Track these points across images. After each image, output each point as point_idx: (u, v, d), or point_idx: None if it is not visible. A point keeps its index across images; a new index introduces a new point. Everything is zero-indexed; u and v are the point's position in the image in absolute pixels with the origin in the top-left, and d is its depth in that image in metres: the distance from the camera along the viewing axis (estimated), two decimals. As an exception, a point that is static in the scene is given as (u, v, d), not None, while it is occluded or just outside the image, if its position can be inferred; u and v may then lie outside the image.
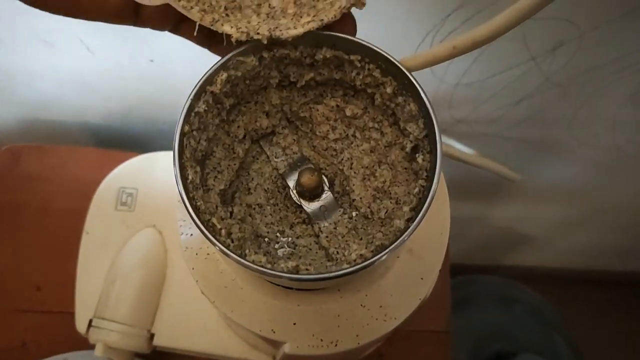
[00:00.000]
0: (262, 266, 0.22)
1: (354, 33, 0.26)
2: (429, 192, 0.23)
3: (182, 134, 0.24)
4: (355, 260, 0.23)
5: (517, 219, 0.82)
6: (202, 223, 0.22)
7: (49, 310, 0.52)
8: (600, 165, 0.64)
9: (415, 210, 0.24)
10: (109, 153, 0.56)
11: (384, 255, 0.22)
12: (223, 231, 0.23)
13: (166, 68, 0.50)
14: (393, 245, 0.22)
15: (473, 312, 0.73)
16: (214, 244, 0.22)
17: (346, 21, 0.25)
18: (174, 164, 0.23)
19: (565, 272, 1.00)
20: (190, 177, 0.24)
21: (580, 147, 0.60)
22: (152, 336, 0.44)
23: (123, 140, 0.62)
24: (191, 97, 0.24)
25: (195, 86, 0.25)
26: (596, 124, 0.56)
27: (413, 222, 0.22)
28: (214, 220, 0.23)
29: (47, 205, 0.56)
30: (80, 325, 0.44)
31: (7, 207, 0.55)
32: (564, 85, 0.50)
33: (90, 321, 0.44)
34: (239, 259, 0.21)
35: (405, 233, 0.22)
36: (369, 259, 0.22)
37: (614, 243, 0.86)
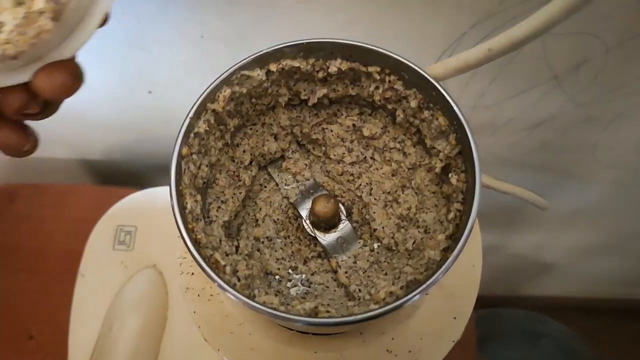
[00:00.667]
0: (274, 309, 0.18)
1: (66, 83, 0.18)
2: (468, 217, 0.20)
3: (180, 157, 0.21)
4: (384, 300, 0.20)
5: (539, 247, 0.78)
6: (203, 259, 0.19)
7: (42, 361, 0.48)
8: (624, 189, 0.60)
9: (453, 238, 0.21)
10: (107, 190, 0.54)
11: (420, 293, 0.18)
12: (227, 268, 0.20)
13: (165, 99, 0.48)
14: (430, 281, 0.18)
15: (498, 348, 0.68)
16: (216, 283, 0.18)
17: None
18: (170, 190, 0.20)
19: (591, 302, 0.95)
20: (189, 206, 0.21)
21: (603, 170, 0.57)
22: (151, 388, 0.40)
23: (123, 177, 0.59)
24: (190, 115, 0.21)
25: (195, 103, 0.22)
26: (621, 146, 0.53)
27: (452, 251, 0.19)
28: (217, 255, 0.20)
29: (43, 247, 0.53)
30: (74, 377, 0.41)
31: (1, 249, 0.52)
32: (587, 105, 0.47)
33: (85, 372, 0.40)
34: (247, 300, 0.18)
35: (445, 265, 0.19)
36: (402, 298, 0.18)
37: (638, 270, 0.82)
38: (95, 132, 0.54)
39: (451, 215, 0.21)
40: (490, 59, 0.20)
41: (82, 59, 0.43)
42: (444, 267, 0.19)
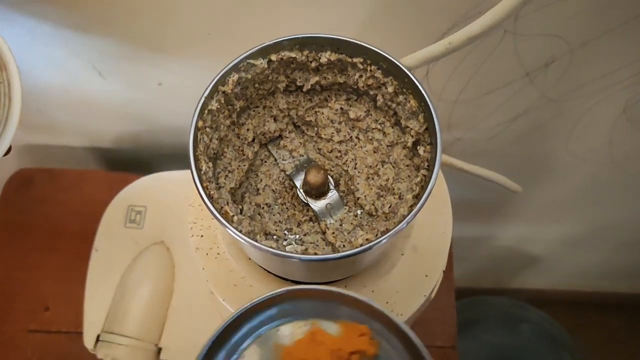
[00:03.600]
0: (272, 247, 0.23)
1: None
2: (430, 179, 0.24)
3: (197, 129, 0.25)
4: (361, 244, 0.24)
5: (521, 239, 0.82)
6: (216, 209, 0.23)
7: (57, 330, 0.52)
8: (598, 182, 0.64)
9: (418, 197, 0.25)
10: (118, 176, 0.58)
11: (388, 237, 0.23)
12: (235, 218, 0.25)
13: (174, 91, 0.52)
14: (396, 228, 0.23)
15: (480, 333, 0.72)
16: (226, 227, 0.23)
17: None
18: (189, 154, 0.24)
19: (574, 295, 0.98)
20: (203, 169, 0.25)
21: (578, 163, 0.61)
22: (159, 350, 0.44)
23: (132, 164, 0.64)
24: (205, 95, 0.26)
25: (209, 85, 0.26)
26: (592, 140, 0.57)
27: (416, 205, 0.23)
28: (227, 208, 0.25)
29: (58, 227, 0.57)
30: (88, 341, 0.45)
31: (19, 229, 0.56)
32: (558, 100, 0.51)
33: (98, 336, 0.44)
34: (250, 240, 0.22)
35: (409, 216, 0.23)
36: (373, 241, 0.23)
37: (620, 263, 0.86)
38: (106, 121, 0.58)
39: (418, 180, 0.26)
40: (451, 51, 0.25)
41: (98, 54, 0.47)
42: (409, 217, 0.23)
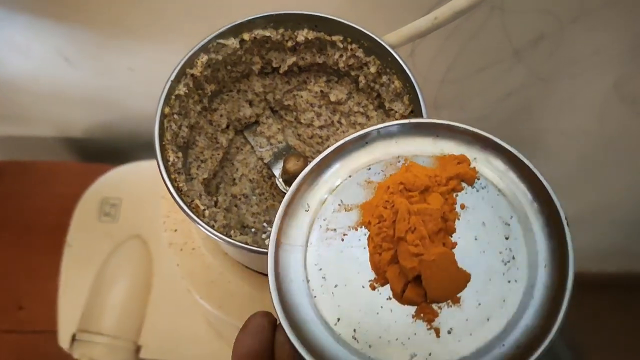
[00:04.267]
0: (246, 243, 0.21)
1: None
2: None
3: (163, 115, 0.23)
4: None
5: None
6: (185, 203, 0.21)
7: (32, 330, 0.50)
8: (589, 161, 0.63)
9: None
10: (92, 167, 0.55)
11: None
12: (207, 212, 0.23)
13: (146, 76, 0.50)
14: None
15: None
16: (196, 222, 0.21)
17: None
18: (154, 143, 0.22)
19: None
20: (171, 160, 0.23)
21: (569, 141, 0.60)
22: (138, 349, 0.43)
23: (107, 155, 0.61)
24: (171, 79, 0.24)
25: (175, 68, 0.24)
26: (583, 117, 0.56)
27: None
28: (197, 201, 0.23)
29: (30, 222, 0.54)
30: (64, 340, 0.43)
31: (-12, 226, 0.54)
32: (548, 78, 0.50)
33: (74, 335, 0.42)
34: (222, 236, 0.20)
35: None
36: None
37: (609, 242, 0.86)
38: (77, 110, 0.55)
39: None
40: (437, 27, 0.23)
41: (62, 39, 0.45)
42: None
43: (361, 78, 0.27)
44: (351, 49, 0.26)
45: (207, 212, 0.23)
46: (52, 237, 0.48)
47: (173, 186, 0.22)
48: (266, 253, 0.20)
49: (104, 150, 0.60)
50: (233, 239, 0.21)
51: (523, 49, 0.46)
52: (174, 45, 0.44)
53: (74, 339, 0.42)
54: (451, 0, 0.22)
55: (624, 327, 1.01)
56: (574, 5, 0.42)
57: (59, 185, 0.55)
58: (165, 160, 0.23)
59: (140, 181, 0.48)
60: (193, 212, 0.21)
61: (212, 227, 0.21)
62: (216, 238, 0.21)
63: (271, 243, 0.18)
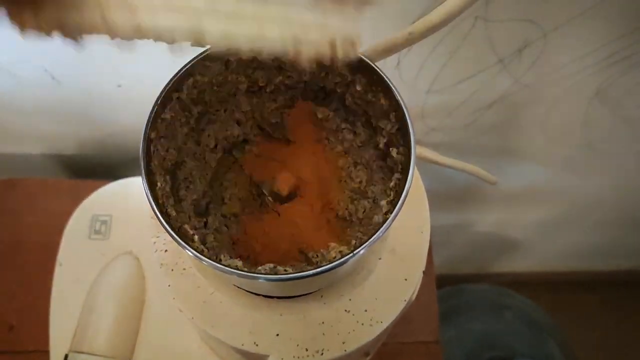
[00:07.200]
0: (237, 268, 0.21)
1: None
2: (404, 184, 0.23)
3: (149, 140, 0.23)
4: (334, 257, 0.22)
5: (500, 225, 0.82)
6: (173, 229, 0.21)
7: (23, 350, 0.50)
8: (575, 165, 0.64)
9: (393, 203, 0.23)
10: (81, 183, 0.55)
11: (363, 249, 0.21)
12: (196, 237, 0.23)
13: (135, 92, 0.50)
14: (372, 239, 0.21)
15: (463, 321, 0.72)
16: (185, 248, 0.21)
17: None
18: (141, 168, 0.22)
19: (552, 276, 1.00)
20: (159, 184, 0.23)
21: (554, 147, 0.61)
22: (132, 367, 0.42)
23: (97, 171, 0.61)
24: (157, 103, 0.24)
25: (162, 92, 0.24)
26: (567, 124, 0.57)
27: (391, 213, 0.22)
28: (186, 226, 0.23)
29: (20, 240, 0.54)
30: (56, 361, 0.42)
31: (-22, 245, 0.53)
32: (532, 86, 0.50)
33: (66, 356, 0.42)
34: (212, 262, 0.20)
35: (384, 225, 0.21)
36: (346, 255, 0.21)
37: (595, 242, 0.87)
38: (65, 127, 0.55)
39: (392, 184, 0.24)
40: (412, 42, 0.23)
41: (49, 56, 0.44)
42: (384, 226, 0.21)
43: (347, 96, 0.27)
44: (336, 67, 0.26)
45: (196, 236, 0.23)
46: (43, 255, 0.48)
47: (161, 212, 0.22)
48: (257, 278, 0.21)
49: (96, 167, 0.60)
50: (223, 264, 0.21)
51: (507, 58, 0.46)
52: (162, 61, 0.44)
53: (66, 359, 0.42)
54: (425, 16, 0.23)
55: (614, 325, 1.02)
56: (556, 14, 0.42)
57: (49, 203, 0.55)
58: (152, 184, 0.23)
59: (130, 197, 0.48)
60: (182, 238, 0.21)
61: (202, 252, 0.21)
62: (206, 264, 0.21)
63: None
